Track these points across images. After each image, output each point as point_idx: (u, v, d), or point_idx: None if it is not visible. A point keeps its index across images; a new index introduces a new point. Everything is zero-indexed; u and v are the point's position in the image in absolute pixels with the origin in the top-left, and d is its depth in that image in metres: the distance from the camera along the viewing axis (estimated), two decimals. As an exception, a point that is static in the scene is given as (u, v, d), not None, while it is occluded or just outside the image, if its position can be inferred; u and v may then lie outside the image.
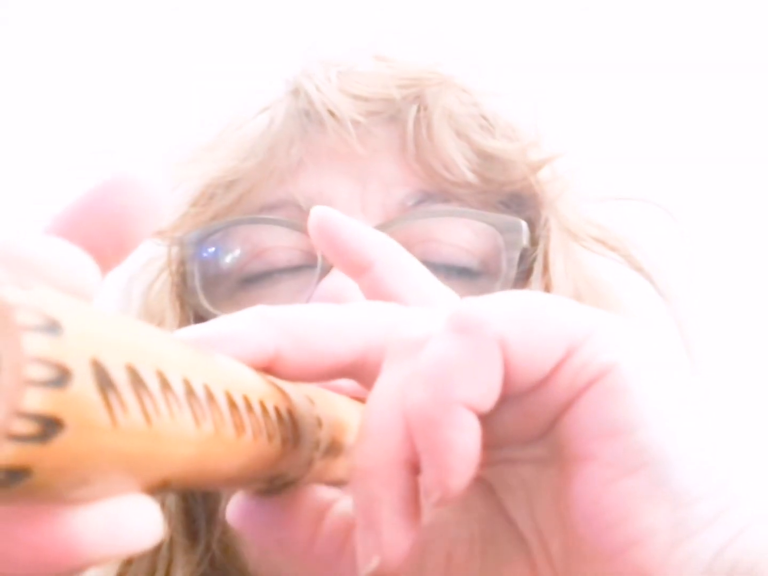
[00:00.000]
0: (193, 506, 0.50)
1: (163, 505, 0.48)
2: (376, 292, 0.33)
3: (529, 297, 0.25)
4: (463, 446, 0.23)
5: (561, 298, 0.26)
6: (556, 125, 0.54)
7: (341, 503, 0.28)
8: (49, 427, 0.16)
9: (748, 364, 0.81)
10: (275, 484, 0.27)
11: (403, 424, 0.23)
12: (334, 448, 0.28)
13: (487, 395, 0.23)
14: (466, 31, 0.82)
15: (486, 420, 0.23)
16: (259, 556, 0.47)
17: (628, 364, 0.24)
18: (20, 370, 0.15)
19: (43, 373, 0.15)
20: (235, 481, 0.26)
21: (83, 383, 0.16)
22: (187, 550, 0.49)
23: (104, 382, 0.17)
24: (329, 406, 0.29)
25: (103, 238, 0.21)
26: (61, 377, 0.16)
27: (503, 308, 0.24)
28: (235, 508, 0.28)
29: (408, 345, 0.25)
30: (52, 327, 0.16)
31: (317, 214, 0.34)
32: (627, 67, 0.89)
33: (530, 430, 0.25)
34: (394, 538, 0.23)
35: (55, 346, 0.16)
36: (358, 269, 0.34)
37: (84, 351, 0.16)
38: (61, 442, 0.16)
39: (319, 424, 0.27)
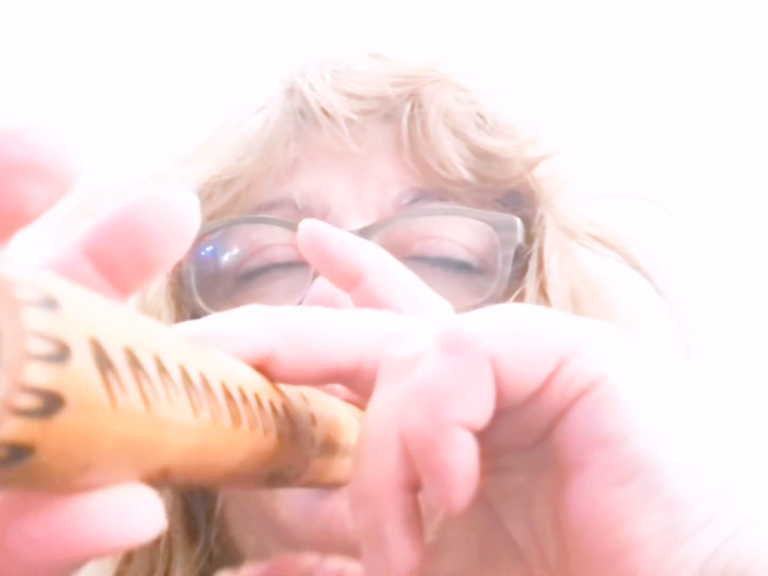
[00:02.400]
0: (192, 504, 0.50)
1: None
2: (368, 303, 0.33)
3: (518, 311, 0.25)
4: (463, 465, 0.23)
5: (550, 309, 0.26)
6: (553, 123, 0.54)
7: (325, 568, 0.29)
8: (51, 402, 0.16)
9: (746, 361, 0.82)
10: (276, 483, 0.27)
11: (400, 445, 0.24)
12: (329, 447, 0.28)
13: (481, 413, 0.23)
14: (463, 29, 0.82)
15: (481, 432, 0.23)
16: (256, 554, 0.47)
17: (617, 374, 0.24)
18: (22, 344, 0.15)
19: (44, 347, 0.15)
20: (235, 477, 0.26)
21: (83, 361, 0.16)
22: (186, 548, 0.49)
23: (103, 362, 0.17)
24: (322, 404, 0.29)
25: (125, 262, 0.21)
26: (61, 353, 0.16)
27: (492, 324, 0.24)
28: None
29: (400, 364, 0.25)
30: (51, 303, 0.16)
31: (306, 227, 0.34)
32: (624, 65, 0.89)
33: (524, 440, 0.25)
34: (402, 557, 0.24)
35: (54, 322, 0.16)
36: (349, 281, 0.33)
37: (82, 330, 0.16)
38: (62, 419, 0.16)
39: (313, 421, 0.27)
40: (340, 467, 0.29)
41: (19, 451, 0.16)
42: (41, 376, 0.15)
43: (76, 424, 0.16)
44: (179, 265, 0.51)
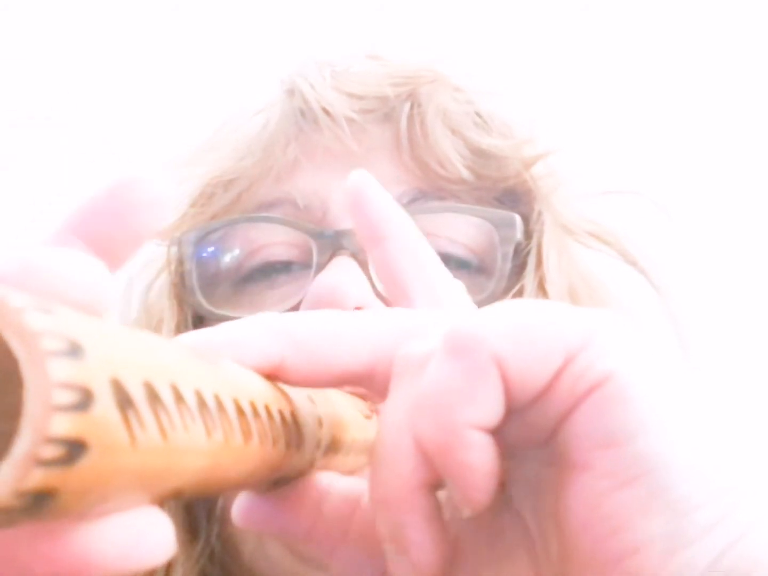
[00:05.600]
0: (193, 502, 0.50)
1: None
2: (384, 268, 0.34)
3: (524, 307, 0.25)
4: (481, 464, 0.23)
5: (556, 303, 0.26)
6: (550, 121, 0.55)
7: (339, 484, 0.29)
8: (74, 450, 0.16)
9: (741, 356, 0.82)
10: (279, 485, 0.28)
11: (415, 449, 0.24)
12: (334, 446, 0.28)
13: (492, 413, 0.23)
14: (461, 29, 0.82)
15: (494, 430, 0.24)
16: (256, 551, 0.47)
17: (626, 371, 0.23)
18: (47, 396, 0.15)
19: (68, 397, 0.15)
20: (242, 486, 0.26)
21: (105, 404, 0.16)
22: (186, 546, 0.49)
23: (123, 401, 0.17)
24: (328, 404, 0.29)
25: (113, 234, 0.22)
26: (85, 400, 0.16)
27: (497, 323, 0.24)
28: (238, 508, 0.28)
29: (412, 364, 0.25)
30: (75, 350, 0.16)
31: (356, 176, 0.36)
32: (621, 64, 0.90)
33: (534, 438, 0.25)
34: (425, 557, 0.24)
35: (78, 370, 0.16)
36: (371, 240, 0.35)
37: (104, 371, 0.16)
38: (84, 463, 0.16)
39: (320, 424, 0.27)
40: (343, 463, 0.30)
41: (43, 498, 0.16)
42: (66, 426, 0.15)
43: (98, 465, 0.16)
44: (181, 264, 0.51)
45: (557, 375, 0.24)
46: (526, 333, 0.24)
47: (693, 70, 0.91)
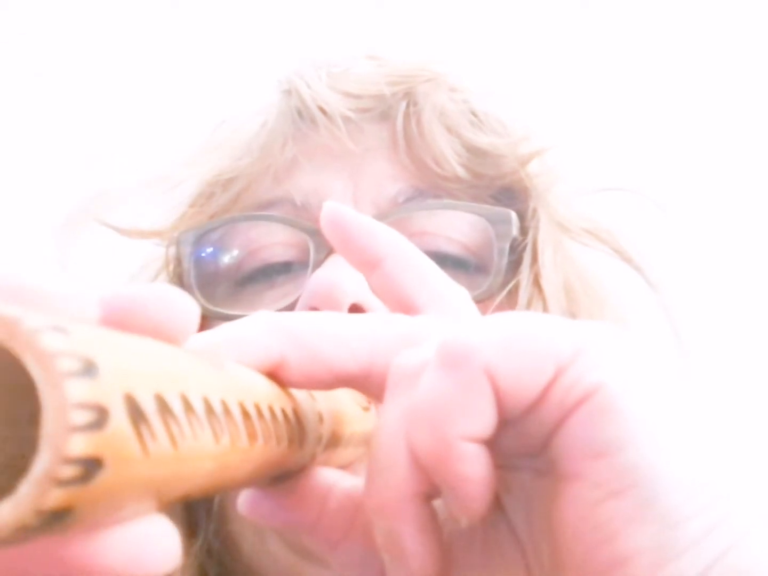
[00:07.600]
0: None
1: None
2: (386, 288, 0.33)
3: (515, 320, 0.25)
4: (476, 475, 0.23)
5: (547, 316, 0.26)
6: (546, 119, 0.55)
7: (344, 483, 0.29)
8: (91, 467, 0.16)
9: (737, 354, 0.82)
10: (281, 481, 0.28)
11: (410, 459, 0.24)
12: (334, 441, 0.29)
13: (484, 425, 0.24)
14: (457, 27, 0.83)
15: (487, 440, 0.24)
16: (255, 547, 0.48)
17: (616, 382, 0.24)
18: (65, 417, 0.15)
19: (85, 417, 0.16)
20: (246, 484, 0.27)
21: (119, 420, 0.16)
22: (185, 542, 0.49)
23: (136, 415, 0.17)
24: (328, 399, 0.29)
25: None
26: (101, 418, 0.16)
27: (489, 335, 0.24)
28: (244, 500, 0.29)
29: (406, 375, 0.25)
30: (90, 369, 0.16)
31: (330, 208, 0.33)
32: (614, 61, 0.90)
33: (527, 447, 0.25)
34: (421, 565, 0.24)
35: (94, 389, 0.16)
36: (369, 265, 0.33)
37: (118, 387, 0.17)
38: (100, 479, 0.16)
39: (321, 419, 0.28)
40: (342, 456, 0.30)
41: (60, 515, 0.16)
42: (83, 445, 0.16)
43: (112, 480, 0.17)
44: (179, 263, 0.52)
45: (548, 387, 0.24)
46: (517, 345, 0.24)
47: (688, 66, 0.91)
